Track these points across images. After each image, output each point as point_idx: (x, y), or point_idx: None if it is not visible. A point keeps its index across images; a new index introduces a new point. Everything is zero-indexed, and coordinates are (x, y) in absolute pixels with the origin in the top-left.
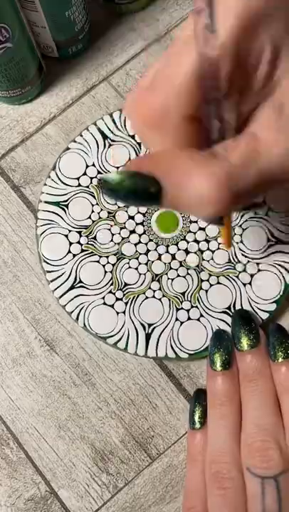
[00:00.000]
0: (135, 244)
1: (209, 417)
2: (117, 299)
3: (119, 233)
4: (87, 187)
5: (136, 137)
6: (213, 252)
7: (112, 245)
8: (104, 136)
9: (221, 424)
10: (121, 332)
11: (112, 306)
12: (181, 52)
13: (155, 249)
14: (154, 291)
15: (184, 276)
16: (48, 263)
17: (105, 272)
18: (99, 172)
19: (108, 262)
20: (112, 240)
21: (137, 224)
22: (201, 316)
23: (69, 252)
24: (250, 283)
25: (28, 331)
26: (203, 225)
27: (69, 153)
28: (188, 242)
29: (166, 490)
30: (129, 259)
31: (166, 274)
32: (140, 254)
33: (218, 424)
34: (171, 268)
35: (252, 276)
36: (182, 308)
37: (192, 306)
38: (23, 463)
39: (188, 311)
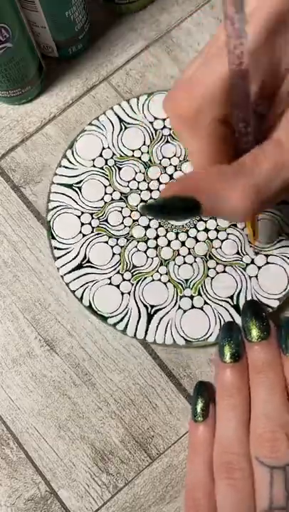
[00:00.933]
0: (145, 228)
1: (218, 408)
2: (124, 280)
3: (130, 215)
4: (102, 168)
5: (154, 123)
6: (222, 241)
7: (122, 227)
8: (120, 120)
9: (231, 416)
10: (123, 313)
11: (117, 286)
12: (217, 55)
13: (165, 236)
14: (161, 274)
15: (191, 264)
16: (57, 240)
17: (113, 253)
18: (114, 154)
19: (117, 244)
20: (122, 223)
21: None
22: (205, 303)
23: (80, 232)
24: (256, 276)
25: (28, 331)
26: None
27: (86, 135)
28: (198, 231)
29: (166, 490)
30: (138, 242)
31: (174, 260)
32: (149, 238)
33: (228, 415)
34: (179, 254)
35: (259, 268)
36: (185, 296)
37: (193, 295)
38: (23, 463)
39: (191, 298)
